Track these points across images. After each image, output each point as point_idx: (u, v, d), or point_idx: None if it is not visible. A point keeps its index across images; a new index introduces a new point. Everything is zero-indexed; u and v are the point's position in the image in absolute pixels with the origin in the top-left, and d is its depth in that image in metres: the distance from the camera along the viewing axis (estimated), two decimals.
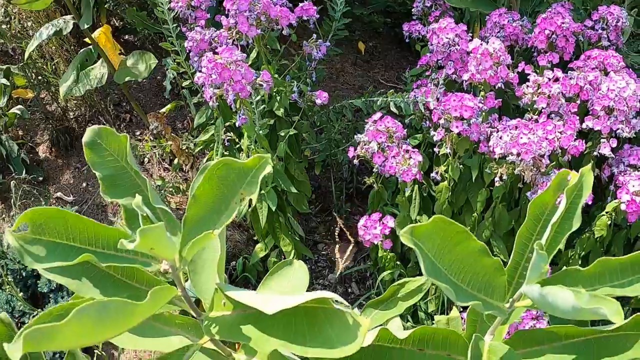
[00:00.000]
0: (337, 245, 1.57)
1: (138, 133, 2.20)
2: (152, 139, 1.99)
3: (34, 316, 1.68)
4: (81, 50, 1.98)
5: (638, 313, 0.78)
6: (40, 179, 2.14)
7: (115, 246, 0.71)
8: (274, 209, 1.58)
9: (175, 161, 1.90)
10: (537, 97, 1.49)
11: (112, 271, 0.78)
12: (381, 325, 1.25)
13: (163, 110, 1.90)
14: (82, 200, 2.09)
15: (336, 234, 1.99)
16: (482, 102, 1.49)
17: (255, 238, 1.90)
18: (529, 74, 1.52)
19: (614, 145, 1.49)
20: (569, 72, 1.53)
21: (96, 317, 0.54)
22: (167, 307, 0.84)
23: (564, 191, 0.78)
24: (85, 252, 0.67)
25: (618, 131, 1.47)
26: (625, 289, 0.73)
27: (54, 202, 2.06)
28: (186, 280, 1.05)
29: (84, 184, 2.12)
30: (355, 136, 1.52)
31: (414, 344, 0.84)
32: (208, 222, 0.76)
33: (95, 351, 1.59)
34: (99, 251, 0.70)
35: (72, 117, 2.26)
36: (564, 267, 1.54)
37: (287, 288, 1.03)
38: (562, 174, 0.78)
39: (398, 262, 1.61)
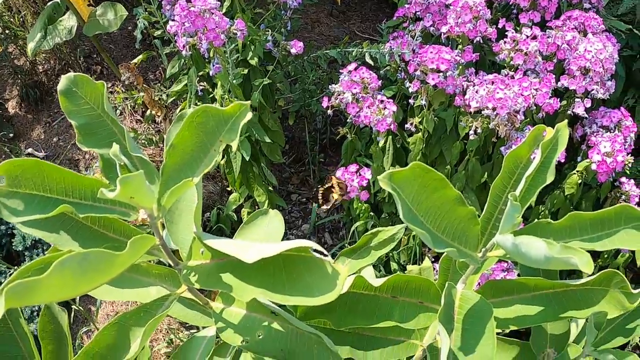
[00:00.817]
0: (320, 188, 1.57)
1: (109, 85, 2.15)
2: (123, 90, 1.95)
3: (10, 274, 1.67)
4: (49, 3, 1.90)
5: (605, 270, 0.81)
6: (11, 135, 2.09)
7: (93, 197, 0.70)
8: (247, 158, 1.57)
9: (148, 113, 1.86)
10: (514, 53, 1.49)
11: (90, 223, 0.77)
12: (355, 273, 1.28)
13: (134, 61, 1.85)
14: (54, 155, 2.05)
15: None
16: (460, 55, 1.49)
17: (229, 189, 1.89)
18: (507, 31, 1.52)
19: (588, 105, 1.51)
20: (547, 31, 1.54)
21: (77, 268, 0.54)
22: (145, 257, 0.84)
23: (539, 146, 0.80)
24: (62, 204, 0.66)
25: (593, 92, 1.49)
26: (595, 244, 0.75)
27: (25, 158, 2.02)
28: (163, 230, 1.05)
29: (55, 139, 2.08)
30: (329, 86, 1.51)
31: (387, 291, 0.85)
32: (187, 170, 0.75)
33: (73, 307, 1.59)
34: (76, 202, 0.69)
35: (41, 70, 2.20)
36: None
37: (262, 237, 1.04)
38: (538, 129, 0.79)
39: (372, 213, 1.63)
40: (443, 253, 0.85)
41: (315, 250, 0.67)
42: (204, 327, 1.20)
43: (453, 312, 0.80)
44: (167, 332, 1.67)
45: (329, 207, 1.56)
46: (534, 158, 0.79)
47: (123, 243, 0.82)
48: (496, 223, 0.82)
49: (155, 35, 1.71)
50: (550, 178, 0.77)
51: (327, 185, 1.56)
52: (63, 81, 0.75)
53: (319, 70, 1.86)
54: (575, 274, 1.70)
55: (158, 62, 2.17)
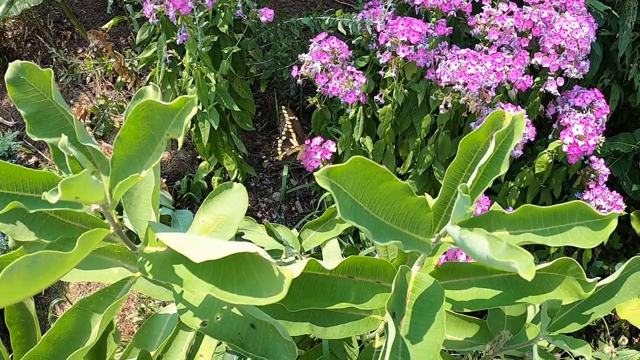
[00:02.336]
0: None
1: (80, 51, 2.10)
2: (93, 57, 1.91)
3: None
4: None
5: (562, 257, 0.82)
6: None
7: (44, 189, 0.70)
8: (216, 127, 1.56)
9: (118, 79, 1.83)
10: (490, 28, 1.47)
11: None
12: (319, 246, 1.30)
13: (105, 26, 1.81)
14: (24, 124, 2.01)
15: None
16: (433, 28, 1.47)
17: (199, 157, 1.89)
18: (484, 5, 1.50)
19: (561, 84, 1.51)
20: (524, 7, 1.52)
21: (26, 273, 0.54)
22: (103, 242, 0.85)
23: (496, 130, 0.79)
24: (13, 199, 0.66)
25: (566, 71, 1.49)
26: (546, 238, 0.75)
27: None
28: (120, 213, 1.04)
29: None
30: (299, 55, 1.49)
31: (343, 272, 0.86)
32: (136, 162, 0.74)
33: None
34: (27, 196, 0.69)
35: (10, 37, 2.13)
36: (505, 197, 1.58)
37: (226, 211, 1.05)
38: (497, 114, 0.78)
39: None
40: None
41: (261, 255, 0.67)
42: (169, 302, 1.22)
43: (406, 295, 0.81)
44: (139, 301, 1.69)
45: (283, 155, 1.55)
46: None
47: (79, 230, 0.82)
48: (451, 207, 0.82)
49: None
50: (504, 169, 0.77)
51: (285, 146, 1.55)
52: (10, 69, 0.74)
53: (293, 37, 1.83)
54: (543, 248, 1.73)
55: (130, 27, 2.12)
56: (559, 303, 0.93)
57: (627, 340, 1.78)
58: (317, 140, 1.52)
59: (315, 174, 0.63)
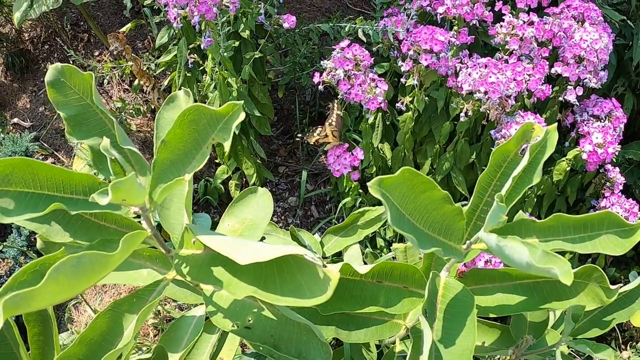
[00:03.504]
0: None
1: (97, 53, 2.12)
2: (111, 59, 1.92)
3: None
4: None
5: (586, 265, 0.83)
6: None
7: (84, 191, 0.70)
8: (237, 132, 1.57)
9: (136, 82, 1.84)
10: (510, 38, 1.49)
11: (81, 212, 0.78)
12: (339, 251, 1.30)
13: (123, 29, 1.83)
14: (41, 125, 2.03)
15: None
16: (455, 37, 1.48)
17: (217, 160, 1.90)
18: (504, 14, 1.51)
19: (580, 93, 1.52)
20: (545, 17, 1.53)
21: (72, 273, 0.55)
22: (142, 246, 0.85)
23: (526, 142, 0.80)
24: (54, 199, 0.67)
25: (585, 80, 1.49)
26: (575, 245, 0.77)
27: (12, 128, 2.00)
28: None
29: (42, 108, 2.05)
30: (321, 62, 1.50)
31: (373, 277, 0.87)
32: (178, 166, 0.75)
33: None
34: (67, 197, 0.69)
35: (27, 38, 2.15)
36: (519, 211, 1.59)
37: (251, 215, 1.06)
38: (527, 126, 0.80)
39: (360, 191, 1.64)
40: None
41: (307, 256, 0.68)
42: (193, 305, 1.23)
43: (436, 300, 0.82)
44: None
45: (315, 140, 1.55)
46: (522, 153, 0.81)
47: (114, 231, 0.83)
48: (481, 215, 0.83)
49: (144, 3, 1.68)
50: (536, 179, 0.78)
51: (322, 133, 1.55)
52: (50, 71, 0.75)
53: (310, 43, 1.84)
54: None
55: (147, 31, 2.13)
56: (582, 309, 0.93)
57: None
58: (344, 146, 1.53)
59: (368, 184, 0.64)
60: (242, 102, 0.68)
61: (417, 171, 0.67)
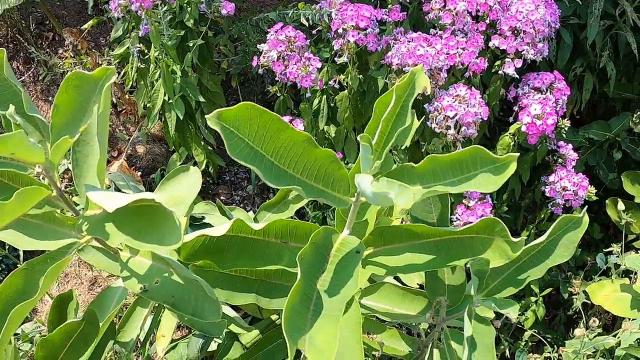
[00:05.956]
0: None
1: (61, 51, 2.17)
2: (72, 55, 1.97)
3: None
4: None
5: (487, 217, 0.85)
6: None
7: None
8: (181, 117, 1.61)
9: None
10: (443, 13, 1.51)
11: None
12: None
13: (85, 26, 1.88)
14: None
15: None
16: (387, 14, 1.52)
17: (172, 149, 1.94)
18: None
19: (519, 65, 1.53)
20: None
21: None
22: (51, 208, 0.90)
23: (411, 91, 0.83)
24: None
25: (523, 52, 1.52)
26: (455, 187, 0.80)
27: None
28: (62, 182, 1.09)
29: None
30: (258, 45, 1.54)
31: (277, 237, 0.90)
32: (70, 128, 0.81)
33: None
34: None
35: None
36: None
37: (181, 191, 1.10)
38: (411, 74, 0.83)
39: None
40: None
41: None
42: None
43: (328, 254, 0.85)
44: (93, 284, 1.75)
45: None
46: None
47: None
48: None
49: (105, 1, 1.73)
50: (408, 121, 0.81)
51: None
52: None
53: (262, 32, 1.88)
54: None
55: (110, 27, 2.19)
56: (487, 263, 0.95)
57: (597, 322, 1.79)
58: (286, 118, 1.56)
59: (206, 116, 0.67)
60: (113, 67, 0.73)
61: (262, 108, 0.70)
